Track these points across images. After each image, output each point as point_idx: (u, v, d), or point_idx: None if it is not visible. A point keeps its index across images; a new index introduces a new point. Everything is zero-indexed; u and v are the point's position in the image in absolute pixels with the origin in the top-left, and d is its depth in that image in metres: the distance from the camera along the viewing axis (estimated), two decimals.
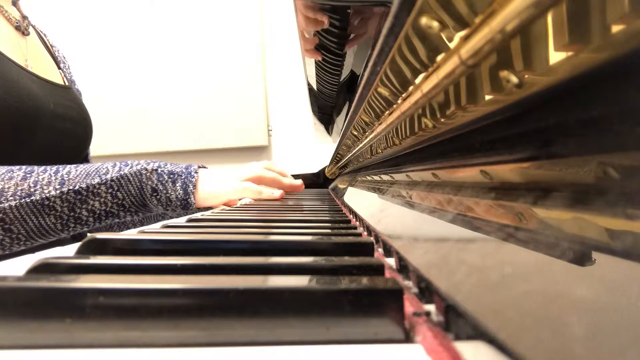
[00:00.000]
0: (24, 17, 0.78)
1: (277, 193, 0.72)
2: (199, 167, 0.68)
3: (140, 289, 0.15)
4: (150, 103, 1.97)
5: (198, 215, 0.49)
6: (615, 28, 0.10)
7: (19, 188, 0.56)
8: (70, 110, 0.78)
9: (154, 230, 0.34)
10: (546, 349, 0.10)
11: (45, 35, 0.87)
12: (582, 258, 0.12)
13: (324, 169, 1.41)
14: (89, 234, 0.25)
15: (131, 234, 0.27)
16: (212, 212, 0.57)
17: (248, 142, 1.96)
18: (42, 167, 0.60)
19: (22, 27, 0.75)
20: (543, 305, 0.12)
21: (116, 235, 0.25)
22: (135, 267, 0.20)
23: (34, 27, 0.84)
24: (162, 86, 1.96)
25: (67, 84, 0.84)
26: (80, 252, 0.24)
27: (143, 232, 0.31)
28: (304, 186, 0.80)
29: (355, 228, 0.38)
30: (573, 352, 0.10)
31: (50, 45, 0.87)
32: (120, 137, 1.97)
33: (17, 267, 0.24)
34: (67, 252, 0.29)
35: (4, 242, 0.57)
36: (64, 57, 0.90)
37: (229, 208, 0.63)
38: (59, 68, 0.85)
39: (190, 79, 1.95)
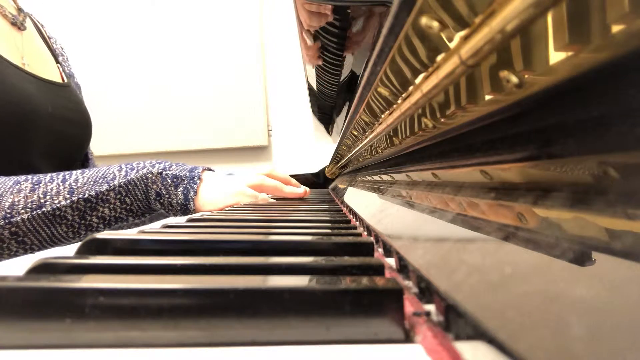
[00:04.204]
0: (20, 10, 0.75)
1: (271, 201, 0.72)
2: (204, 169, 0.67)
3: (140, 289, 0.15)
4: (149, 103, 1.97)
5: (198, 215, 0.49)
6: (615, 28, 0.10)
7: (29, 200, 0.56)
8: (68, 111, 0.76)
9: (154, 230, 0.34)
10: (546, 349, 0.10)
11: (42, 26, 0.84)
12: (582, 258, 0.12)
13: (324, 169, 1.41)
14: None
15: (131, 234, 0.27)
16: (213, 212, 0.57)
17: (248, 142, 1.96)
18: (49, 176, 0.59)
19: (18, 22, 0.72)
20: (543, 305, 0.12)
21: (116, 235, 0.25)
22: (135, 267, 0.20)
23: (30, 17, 0.81)
24: (161, 86, 1.96)
25: (65, 80, 0.81)
26: (80, 252, 0.24)
27: (143, 232, 0.31)
28: (308, 192, 0.79)
29: (355, 228, 0.38)
30: (573, 352, 0.10)
31: (48, 36, 0.84)
32: (120, 137, 1.97)
33: (17, 267, 0.24)
34: (67, 252, 0.29)
35: (18, 253, 0.58)
36: (62, 49, 0.87)
37: (229, 208, 0.63)
38: (57, 62, 0.82)
39: (190, 79, 1.95)
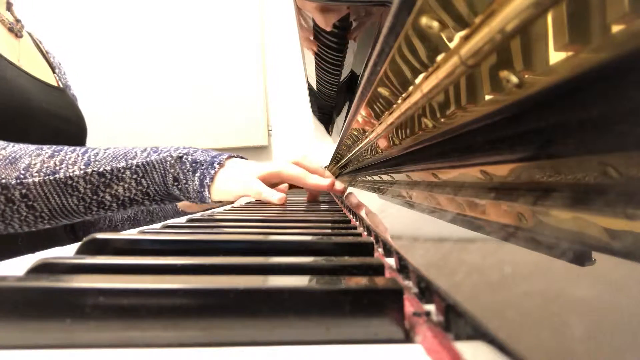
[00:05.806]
0: (18, 21, 0.80)
1: (276, 197, 0.61)
2: (230, 156, 0.63)
3: (140, 289, 0.15)
4: (149, 103, 1.97)
5: (198, 215, 0.49)
6: (615, 28, 0.10)
7: (45, 165, 0.56)
8: (64, 110, 0.78)
9: (154, 230, 0.34)
10: (546, 349, 0.10)
11: (40, 42, 0.89)
12: (582, 258, 0.12)
13: (324, 169, 1.41)
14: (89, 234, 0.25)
15: (131, 234, 0.27)
16: (212, 212, 0.57)
17: (248, 142, 1.96)
18: (72, 147, 0.59)
19: (15, 30, 0.76)
20: (543, 305, 0.12)
21: (116, 235, 0.25)
22: (135, 267, 0.20)
23: (30, 34, 0.87)
24: (161, 86, 1.96)
25: (61, 87, 0.85)
26: (80, 252, 0.24)
27: (143, 232, 0.31)
28: (337, 187, 0.68)
29: (355, 228, 0.38)
30: (573, 352, 0.10)
31: (46, 51, 0.89)
32: (120, 137, 1.97)
33: (17, 267, 0.24)
34: (67, 252, 0.29)
35: (29, 219, 0.57)
36: (60, 64, 0.91)
37: (229, 207, 0.63)
38: (54, 72, 0.86)
39: (190, 79, 1.95)
